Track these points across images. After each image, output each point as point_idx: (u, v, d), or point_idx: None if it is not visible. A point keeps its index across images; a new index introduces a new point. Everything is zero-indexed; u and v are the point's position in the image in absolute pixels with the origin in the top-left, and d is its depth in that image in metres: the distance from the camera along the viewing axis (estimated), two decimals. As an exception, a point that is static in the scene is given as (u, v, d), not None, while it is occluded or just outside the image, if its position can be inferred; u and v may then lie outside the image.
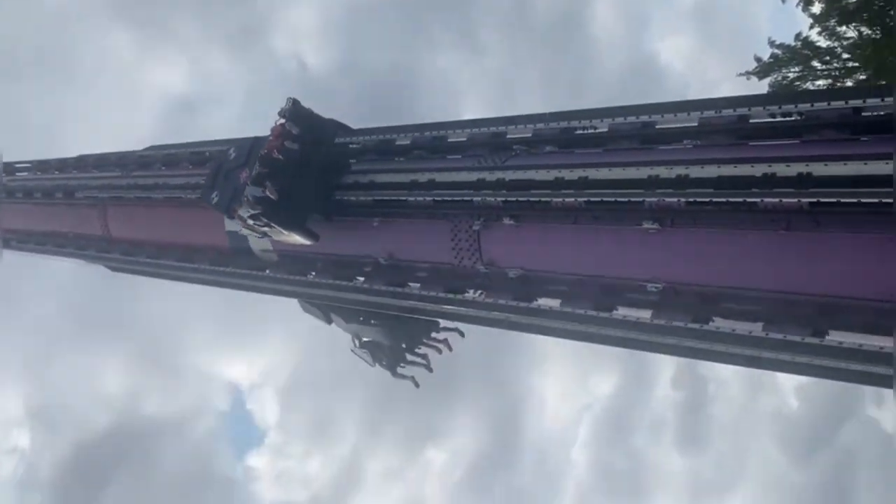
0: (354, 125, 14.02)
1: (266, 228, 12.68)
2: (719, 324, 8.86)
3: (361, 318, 14.36)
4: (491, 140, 11.98)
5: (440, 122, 12.90)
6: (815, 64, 18.49)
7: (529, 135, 11.58)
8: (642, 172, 9.12)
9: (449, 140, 12.60)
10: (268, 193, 12.12)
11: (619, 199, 9.27)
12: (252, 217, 12.47)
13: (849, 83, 18.37)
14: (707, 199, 8.55)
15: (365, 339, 14.80)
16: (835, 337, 8.01)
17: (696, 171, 8.69)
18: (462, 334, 14.16)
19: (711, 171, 8.56)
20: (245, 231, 13.25)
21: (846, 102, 8.54)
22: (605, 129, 10.72)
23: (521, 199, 10.31)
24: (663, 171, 8.97)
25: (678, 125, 10.02)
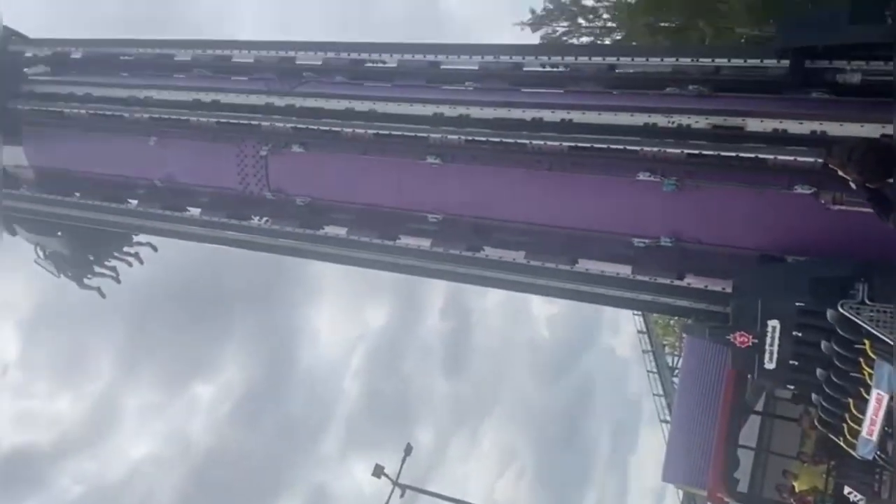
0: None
1: None
2: (489, 252, 9.81)
3: (51, 231, 14.20)
4: (279, 64, 11.79)
5: (213, 39, 12.74)
6: (581, 21, 20.31)
7: (320, 63, 11.58)
8: (428, 109, 9.65)
9: (233, 60, 12.26)
10: None
11: (406, 134, 9.72)
12: None
13: (607, 41, 20.46)
14: (484, 139, 9.30)
15: (50, 251, 14.65)
16: (583, 265, 9.28)
17: (475, 112, 9.39)
18: (155, 248, 14.56)
19: (489, 113, 9.31)
20: None
21: (603, 59, 9.71)
22: (395, 65, 11.08)
23: (311, 126, 10.37)
24: (447, 110, 9.57)
25: (461, 67, 10.68)
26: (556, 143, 8.85)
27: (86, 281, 14.80)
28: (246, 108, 10.93)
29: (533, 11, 20.42)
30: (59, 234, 14.08)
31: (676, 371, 36.72)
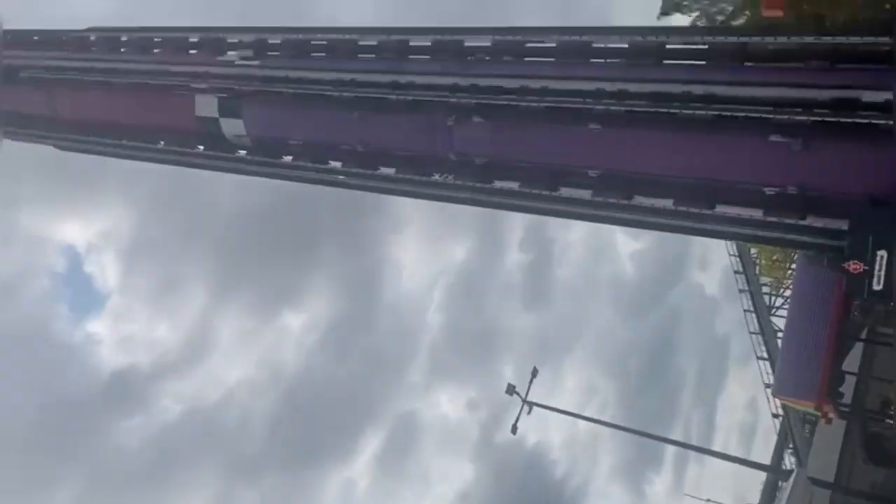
0: None
1: None
2: (641, 200, 12.21)
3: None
4: (454, 47, 14.34)
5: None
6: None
7: (489, 44, 14.05)
8: (591, 85, 12.00)
9: (411, 44, 14.98)
10: None
11: (572, 106, 12.13)
12: None
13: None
14: (642, 109, 11.62)
15: None
16: (721, 209, 11.57)
17: (633, 87, 11.69)
18: None
19: (645, 87, 11.60)
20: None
21: (738, 38, 11.77)
22: (554, 45, 13.42)
23: (492, 102, 12.91)
24: (607, 85, 11.91)
25: (613, 46, 12.93)
26: (703, 112, 11.10)
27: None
28: (436, 87, 13.52)
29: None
30: None
31: (773, 310, 38.45)
